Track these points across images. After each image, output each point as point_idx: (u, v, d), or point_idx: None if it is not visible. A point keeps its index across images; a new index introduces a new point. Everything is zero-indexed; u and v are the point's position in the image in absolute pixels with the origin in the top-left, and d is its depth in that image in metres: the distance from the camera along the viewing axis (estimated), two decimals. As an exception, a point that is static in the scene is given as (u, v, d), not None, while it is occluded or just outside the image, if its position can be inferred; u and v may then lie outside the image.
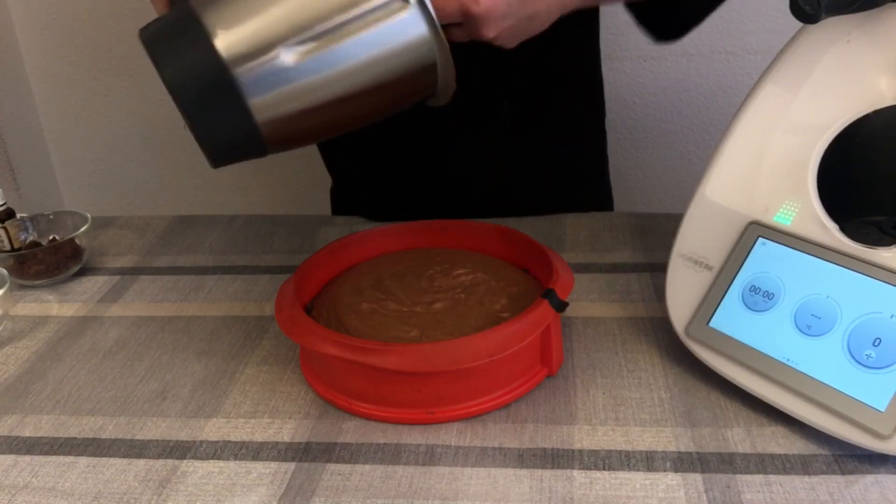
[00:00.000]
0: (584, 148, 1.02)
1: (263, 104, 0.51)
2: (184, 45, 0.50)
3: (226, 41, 0.49)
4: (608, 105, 1.02)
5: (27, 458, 0.59)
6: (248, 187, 1.62)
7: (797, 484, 0.53)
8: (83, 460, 0.59)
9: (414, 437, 0.59)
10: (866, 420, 0.54)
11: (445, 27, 0.55)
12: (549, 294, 0.62)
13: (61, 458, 0.59)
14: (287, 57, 0.50)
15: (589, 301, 0.76)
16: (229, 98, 0.50)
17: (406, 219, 0.79)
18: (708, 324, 0.63)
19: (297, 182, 1.59)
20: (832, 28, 0.62)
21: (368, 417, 0.61)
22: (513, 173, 0.95)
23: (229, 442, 0.60)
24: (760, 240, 0.62)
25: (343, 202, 1.07)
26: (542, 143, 0.94)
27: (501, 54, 0.89)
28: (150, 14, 0.59)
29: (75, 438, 0.61)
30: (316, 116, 0.54)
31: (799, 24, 0.62)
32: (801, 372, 0.57)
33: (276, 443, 0.59)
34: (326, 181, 1.08)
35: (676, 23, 0.81)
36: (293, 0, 0.50)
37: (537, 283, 0.70)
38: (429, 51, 0.54)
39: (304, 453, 0.58)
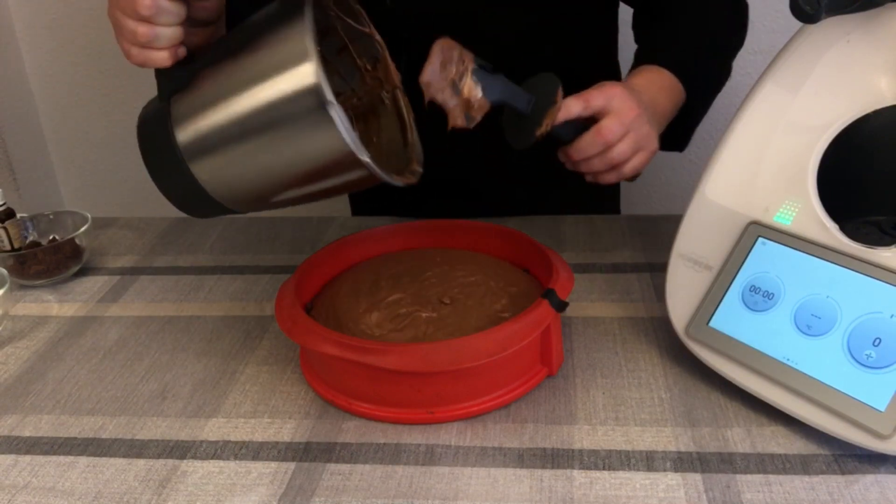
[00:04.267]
0: None
1: (205, 177, 0.60)
2: (153, 123, 0.61)
3: (181, 128, 0.60)
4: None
5: (27, 458, 0.59)
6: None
7: (797, 484, 0.53)
8: (83, 460, 0.59)
9: (414, 437, 0.59)
10: (866, 420, 0.54)
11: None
12: (549, 294, 0.62)
13: (61, 458, 0.59)
14: (220, 142, 0.59)
15: (589, 301, 0.76)
16: (180, 172, 0.61)
17: (407, 218, 0.79)
18: (708, 324, 0.63)
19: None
20: (832, 28, 0.62)
21: (368, 417, 0.61)
22: (516, 175, 0.95)
23: (229, 442, 0.60)
24: (760, 240, 0.62)
25: (360, 203, 1.07)
26: (548, 144, 0.94)
27: (509, 56, 0.90)
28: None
29: (75, 438, 0.61)
30: (255, 191, 0.61)
31: (799, 24, 0.62)
32: (801, 372, 0.57)
33: (276, 443, 0.59)
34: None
35: (682, 134, 0.87)
36: (223, 96, 0.58)
37: (537, 283, 0.70)
38: (350, 162, 0.57)
39: (304, 453, 0.58)
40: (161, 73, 0.59)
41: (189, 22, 0.59)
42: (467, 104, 0.64)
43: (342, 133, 0.54)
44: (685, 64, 0.79)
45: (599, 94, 0.70)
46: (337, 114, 0.54)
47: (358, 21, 0.65)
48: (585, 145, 0.70)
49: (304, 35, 0.54)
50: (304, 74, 0.54)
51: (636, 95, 0.72)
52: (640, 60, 0.81)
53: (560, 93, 0.67)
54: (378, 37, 0.66)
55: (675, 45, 0.82)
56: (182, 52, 0.59)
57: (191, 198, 0.63)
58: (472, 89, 0.64)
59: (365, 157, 0.56)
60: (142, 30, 0.56)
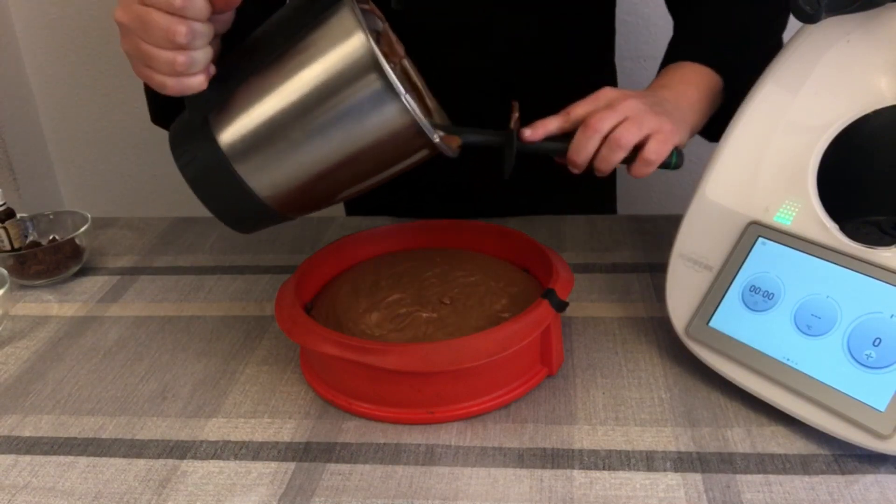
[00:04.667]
0: None
1: (261, 185, 0.59)
2: (195, 143, 0.59)
3: (226, 140, 0.58)
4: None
5: (27, 458, 0.59)
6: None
7: (797, 484, 0.53)
8: (83, 460, 0.59)
9: (414, 437, 0.59)
10: (866, 420, 0.54)
11: None
12: (549, 294, 0.62)
13: (61, 458, 0.59)
14: (277, 146, 0.57)
15: (589, 301, 0.76)
16: (231, 184, 0.59)
17: (408, 218, 0.79)
18: (708, 324, 0.63)
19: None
20: (832, 28, 0.62)
21: (368, 417, 0.61)
22: (517, 175, 0.95)
23: (229, 442, 0.60)
24: (760, 240, 0.62)
25: (354, 203, 1.07)
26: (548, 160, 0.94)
27: (511, 56, 0.90)
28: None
29: (75, 438, 0.61)
30: (315, 187, 0.60)
31: (799, 24, 0.62)
32: (801, 372, 0.57)
33: (276, 443, 0.59)
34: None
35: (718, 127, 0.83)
36: (276, 98, 0.57)
37: (537, 283, 0.70)
38: (413, 134, 0.57)
39: (304, 453, 0.58)
40: (195, 97, 0.57)
41: None
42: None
43: (413, 114, 0.54)
44: (714, 53, 0.77)
45: (582, 101, 0.68)
46: (405, 97, 0.54)
47: None
48: (579, 143, 0.67)
49: (353, 22, 0.54)
50: (364, 60, 0.54)
51: (631, 91, 0.70)
52: (666, 59, 0.80)
53: (518, 118, 0.67)
54: (378, 11, 0.65)
55: (701, 35, 0.80)
56: (213, 70, 0.56)
57: (251, 214, 0.62)
58: None
59: (435, 138, 0.56)
60: (181, 59, 0.53)
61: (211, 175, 0.59)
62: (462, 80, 0.88)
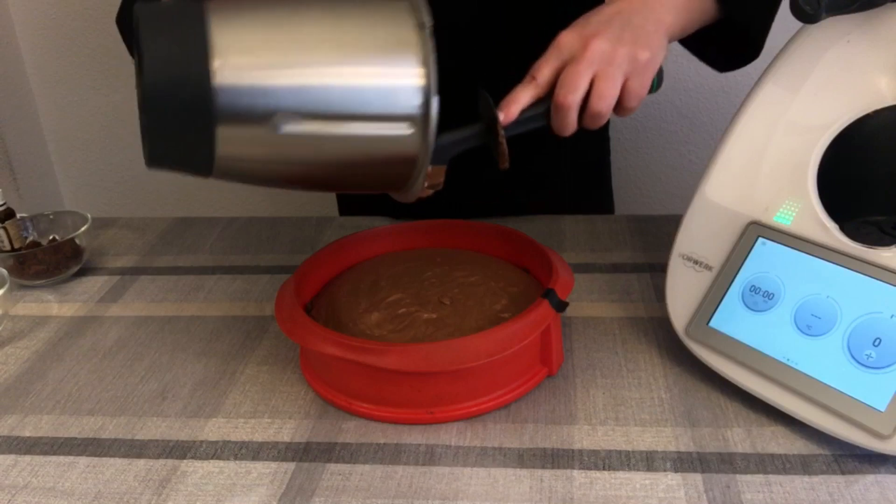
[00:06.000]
0: (587, 154, 1.01)
1: (227, 139, 0.48)
2: (179, 45, 0.46)
3: (224, 67, 0.46)
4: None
5: (27, 458, 0.59)
6: (252, 189, 1.61)
7: (797, 484, 0.53)
8: (83, 460, 0.59)
9: (414, 437, 0.59)
10: (866, 420, 0.54)
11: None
12: (549, 294, 0.62)
13: (61, 458, 0.59)
14: (275, 119, 0.49)
15: (589, 301, 0.76)
16: (199, 119, 0.47)
17: (407, 219, 0.79)
18: (708, 324, 0.63)
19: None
20: (832, 28, 0.62)
21: (368, 417, 0.61)
22: (514, 178, 0.95)
23: (229, 442, 0.60)
24: (760, 240, 0.62)
25: (349, 202, 1.07)
26: (546, 147, 0.94)
27: (508, 55, 0.90)
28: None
29: (75, 438, 0.61)
30: (272, 170, 0.53)
31: (799, 24, 0.62)
32: (801, 372, 0.57)
33: (276, 443, 0.59)
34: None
35: (743, 45, 0.74)
36: (312, 66, 0.49)
37: (537, 283, 0.70)
38: (412, 168, 0.54)
39: (304, 453, 0.58)
40: None
41: None
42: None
43: (429, 138, 0.51)
44: None
45: (545, 59, 0.61)
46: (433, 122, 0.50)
47: None
48: (559, 123, 0.61)
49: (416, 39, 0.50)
50: (415, 76, 0.50)
51: (591, 26, 0.62)
52: None
53: (491, 104, 0.61)
54: None
55: None
56: None
57: (183, 153, 0.50)
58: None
59: (428, 166, 0.53)
60: None
61: (180, 94, 0.46)
62: (446, 80, 0.88)
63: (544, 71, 0.61)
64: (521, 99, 0.61)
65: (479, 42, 0.85)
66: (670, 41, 0.65)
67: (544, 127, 0.63)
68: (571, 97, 0.59)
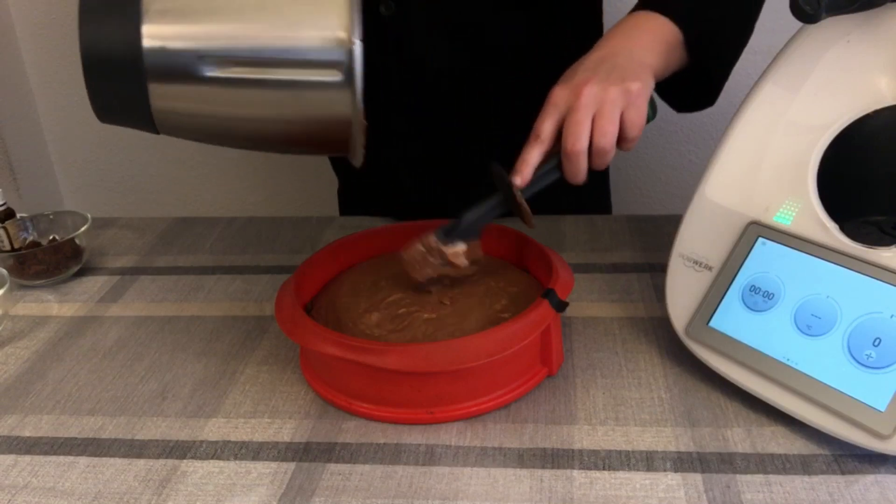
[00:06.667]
0: None
1: (160, 94, 0.52)
2: (113, 12, 0.51)
3: (152, 25, 0.51)
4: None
5: (27, 458, 0.59)
6: (252, 189, 1.62)
7: (797, 484, 0.53)
8: (83, 460, 0.59)
9: (414, 437, 0.59)
10: (866, 420, 0.54)
11: None
12: (549, 294, 0.62)
13: (61, 458, 0.59)
14: (201, 65, 0.51)
15: (589, 301, 0.76)
16: (129, 76, 0.51)
17: (408, 219, 0.79)
18: (708, 324, 0.63)
19: (302, 183, 1.59)
20: (832, 28, 0.62)
21: (368, 417, 0.61)
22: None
23: (229, 442, 0.60)
24: (760, 240, 0.62)
25: (349, 202, 1.07)
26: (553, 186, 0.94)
27: (501, 55, 0.90)
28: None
29: (75, 438, 0.61)
30: (209, 123, 0.55)
31: (799, 24, 0.62)
32: (801, 372, 0.57)
33: (276, 443, 0.59)
34: (333, 182, 1.08)
35: (705, 92, 0.81)
36: (233, 11, 0.52)
37: (537, 283, 0.70)
38: (347, 122, 0.55)
39: (304, 453, 0.58)
40: None
41: None
42: (460, 259, 0.66)
43: (356, 85, 0.52)
44: (670, 3, 0.72)
45: (543, 117, 0.65)
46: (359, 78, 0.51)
47: None
48: (570, 170, 0.64)
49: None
50: (339, 30, 0.50)
51: (579, 75, 0.65)
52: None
53: (503, 173, 0.64)
54: None
55: None
56: None
57: (123, 107, 0.54)
58: (456, 251, 0.65)
59: (362, 122, 0.54)
60: None
61: (113, 54, 0.51)
62: (452, 79, 0.88)
63: (546, 127, 0.64)
64: (531, 159, 0.64)
65: (499, 42, 0.86)
66: (658, 78, 0.69)
67: (559, 179, 0.66)
68: (580, 144, 0.63)
